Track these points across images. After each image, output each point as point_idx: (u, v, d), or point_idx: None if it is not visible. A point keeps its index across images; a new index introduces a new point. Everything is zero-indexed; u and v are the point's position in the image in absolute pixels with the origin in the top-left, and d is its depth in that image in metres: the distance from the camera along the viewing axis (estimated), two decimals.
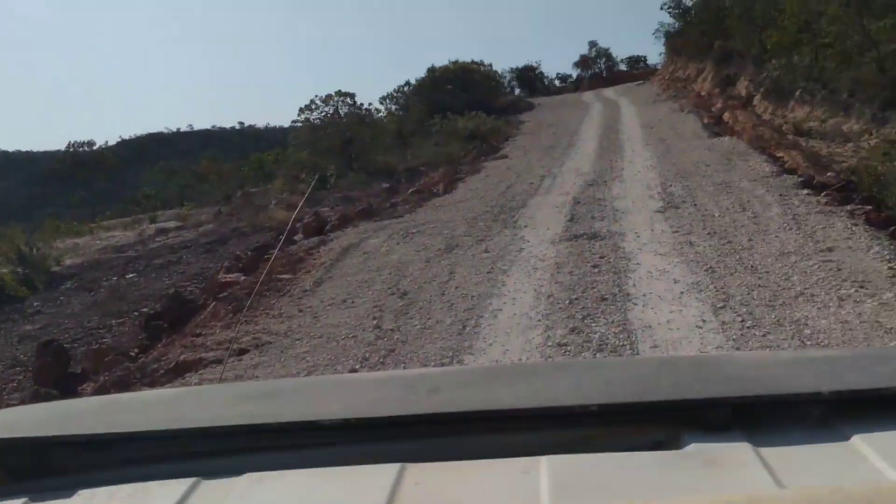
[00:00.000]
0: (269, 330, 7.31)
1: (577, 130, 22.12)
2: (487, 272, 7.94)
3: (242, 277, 10.02)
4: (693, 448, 0.89)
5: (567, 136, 21.24)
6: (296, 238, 12.86)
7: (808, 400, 0.97)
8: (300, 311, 7.74)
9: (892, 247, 7.53)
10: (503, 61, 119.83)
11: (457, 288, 7.59)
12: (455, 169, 18.01)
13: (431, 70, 32.40)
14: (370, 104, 23.40)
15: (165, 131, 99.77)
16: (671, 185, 11.71)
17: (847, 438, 0.89)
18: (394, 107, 33.11)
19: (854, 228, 8.22)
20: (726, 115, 22.84)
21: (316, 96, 22.03)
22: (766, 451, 0.86)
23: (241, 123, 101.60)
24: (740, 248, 7.81)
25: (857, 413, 0.95)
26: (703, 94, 29.16)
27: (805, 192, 10.51)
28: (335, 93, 21.97)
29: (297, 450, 0.99)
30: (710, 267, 7.30)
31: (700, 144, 16.28)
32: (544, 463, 0.86)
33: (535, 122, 27.04)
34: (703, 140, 17.12)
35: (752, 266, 7.20)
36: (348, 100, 22.22)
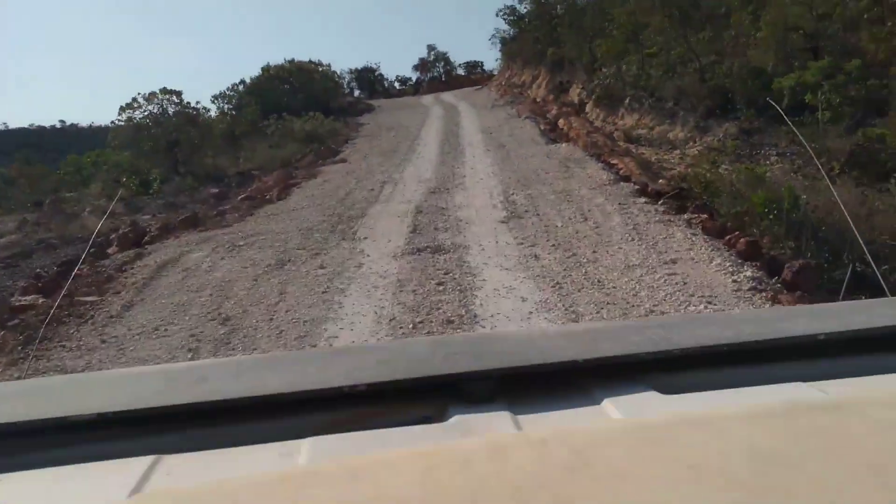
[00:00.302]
0: (63, 367, 6.17)
1: (417, 134, 21.68)
2: (322, 292, 7.17)
3: (41, 300, 8.62)
4: (455, 420, 0.92)
5: (408, 140, 20.75)
6: (109, 251, 11.48)
7: (566, 368, 1.01)
8: (103, 342, 6.62)
9: (731, 258, 7.50)
10: (342, 62, 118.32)
11: (287, 311, 6.77)
12: (290, 173, 17.00)
13: (266, 69, 30.92)
14: (198, 103, 21.72)
15: None
16: (514, 194, 11.42)
17: (599, 403, 0.94)
18: (226, 106, 31.37)
19: (694, 239, 8.18)
20: (561, 122, 23.26)
21: (139, 93, 20.20)
22: (523, 418, 0.91)
23: (62, 122, 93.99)
24: (585, 261, 7.52)
25: (610, 379, 1.01)
26: (538, 100, 29.70)
27: (642, 200, 10.51)
28: (160, 90, 20.22)
29: (44, 449, 0.94)
30: (557, 283, 6.93)
31: (538, 151, 16.25)
32: (306, 445, 0.87)
33: (375, 125, 26.40)
34: (541, 146, 17.14)
35: (598, 281, 6.90)
36: (174, 98, 20.52)
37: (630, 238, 8.29)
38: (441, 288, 6.95)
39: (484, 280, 7.13)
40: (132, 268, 9.33)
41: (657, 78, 21.30)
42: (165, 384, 1.08)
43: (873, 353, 1.09)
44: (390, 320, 6.32)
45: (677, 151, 19.05)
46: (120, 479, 0.81)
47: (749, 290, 6.42)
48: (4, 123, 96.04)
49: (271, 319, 6.59)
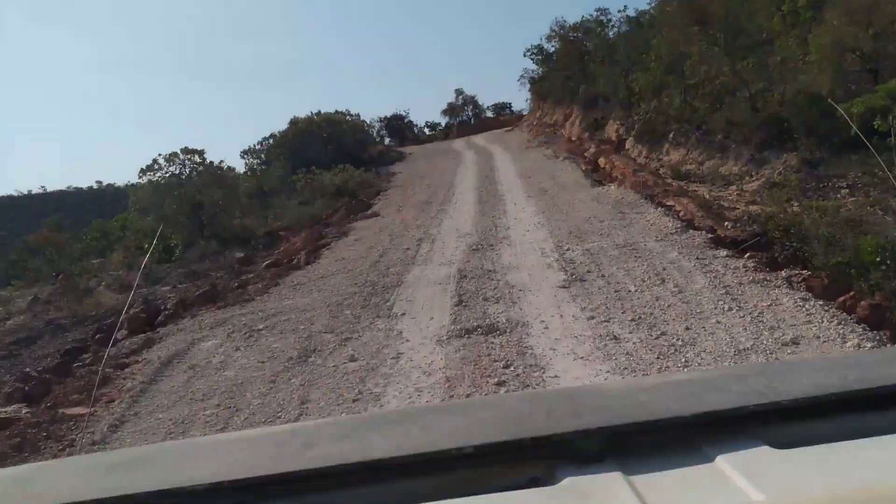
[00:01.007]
0: None
1: (452, 182, 20.30)
2: (353, 400, 5.63)
3: (25, 410, 7.22)
4: (568, 482, 0.89)
5: (442, 188, 19.36)
6: (119, 336, 10.14)
7: (672, 424, 0.97)
8: None
9: (861, 330, 5.85)
10: (371, 110, 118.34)
11: None
12: (320, 232, 15.65)
13: (294, 122, 29.96)
14: (221, 162, 20.61)
15: (15, 194, 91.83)
16: (569, 249, 9.86)
17: (711, 460, 0.90)
18: (255, 162, 30.43)
19: (806, 305, 6.51)
20: (602, 161, 21.72)
21: (160, 154, 19.14)
22: (637, 479, 0.86)
23: (98, 182, 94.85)
24: (680, 343, 5.90)
25: (719, 433, 0.96)
26: (573, 138, 28.24)
27: (723, 253, 8.88)
28: (181, 150, 19.15)
29: None
30: None
31: (586, 195, 14.72)
32: None
33: (407, 174, 25.13)
34: (587, 189, 15.61)
35: None
36: (196, 157, 19.42)
37: (726, 307, 6.65)
38: (503, 391, 5.38)
39: (556, 377, 5.53)
40: (136, 362, 7.91)
41: (704, 110, 19.70)
42: (276, 449, 1.07)
43: None
44: None
45: (734, 187, 17.37)
46: None
47: None
48: (43, 187, 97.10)
49: None
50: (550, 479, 0.91)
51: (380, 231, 14.57)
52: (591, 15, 33.75)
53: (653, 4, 27.44)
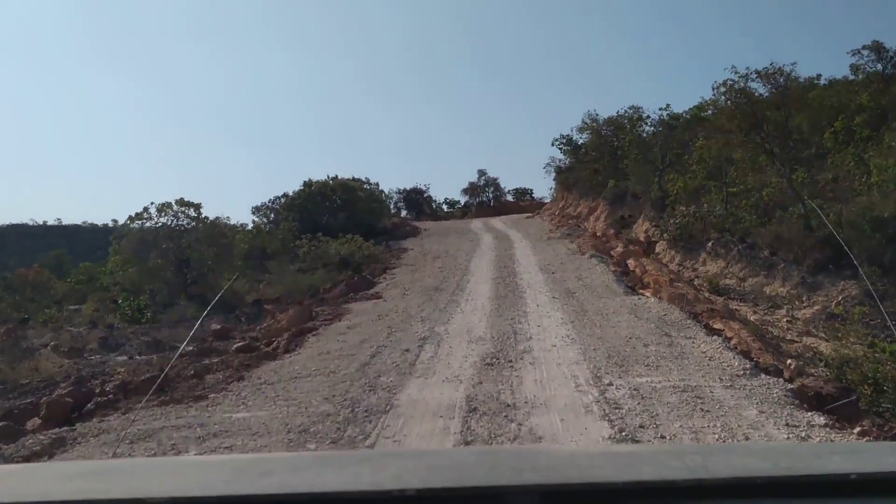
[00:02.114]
0: None
1: (466, 267, 18.12)
2: None
3: None
4: None
5: (456, 273, 17.18)
6: (29, 426, 7.84)
7: (604, 489, 1.02)
8: None
9: None
10: (391, 181, 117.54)
11: None
12: (310, 312, 13.39)
13: (308, 184, 28.09)
14: (218, 217, 18.57)
15: (30, 223, 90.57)
16: (611, 384, 7.52)
17: None
18: (264, 220, 28.47)
19: None
20: (632, 263, 19.53)
21: (151, 203, 17.12)
22: None
23: (114, 221, 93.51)
24: None
25: (649, 502, 1.01)
26: (598, 234, 26.14)
27: (820, 420, 6.54)
28: (175, 201, 17.13)
29: None
30: None
31: (619, 305, 12.46)
32: None
33: (419, 252, 23.02)
34: (621, 297, 13.36)
35: None
36: (192, 211, 17.39)
37: None
38: None
39: None
40: None
41: (749, 221, 17.58)
42: (234, 475, 1.13)
43: None
44: None
45: (782, 312, 15.07)
46: None
47: None
48: (58, 219, 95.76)
49: None
50: None
51: (378, 319, 12.31)
52: (625, 110, 32.24)
53: (699, 104, 25.76)
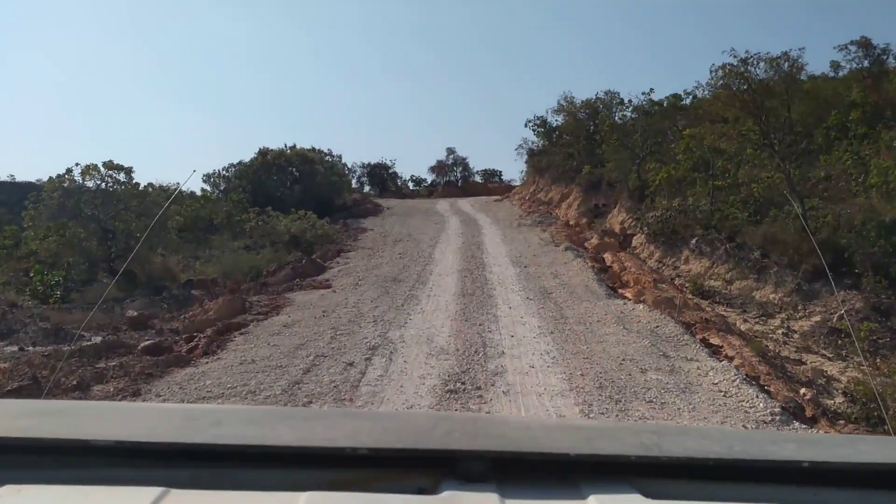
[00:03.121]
0: None
1: (431, 255, 16.22)
2: None
3: None
4: (447, 495, 0.91)
5: (418, 262, 15.28)
6: None
7: (557, 459, 1.01)
8: None
9: None
10: (355, 154, 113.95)
11: None
12: (243, 303, 11.36)
13: (263, 152, 25.76)
14: (151, 184, 16.32)
15: None
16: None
17: (584, 498, 0.93)
18: (214, 190, 26.15)
19: None
20: (609, 257, 17.86)
21: (77, 164, 14.83)
22: (511, 503, 0.89)
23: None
24: None
25: (600, 477, 0.99)
26: (571, 223, 24.44)
27: None
28: (103, 164, 14.87)
29: (64, 467, 0.97)
30: None
31: (604, 311, 10.70)
32: (304, 499, 0.87)
33: (379, 233, 21.01)
34: (603, 301, 11.60)
35: None
36: (121, 175, 15.14)
37: None
38: None
39: None
40: None
41: (741, 218, 15.92)
42: (184, 422, 1.10)
43: (856, 487, 1.07)
44: None
45: (776, 322, 13.47)
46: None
47: None
48: (11, 175, 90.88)
49: None
50: (434, 491, 0.93)
51: (323, 315, 10.38)
52: (604, 94, 30.49)
53: (675, 93, 24.12)
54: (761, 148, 15.84)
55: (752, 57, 14.29)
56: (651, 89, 28.61)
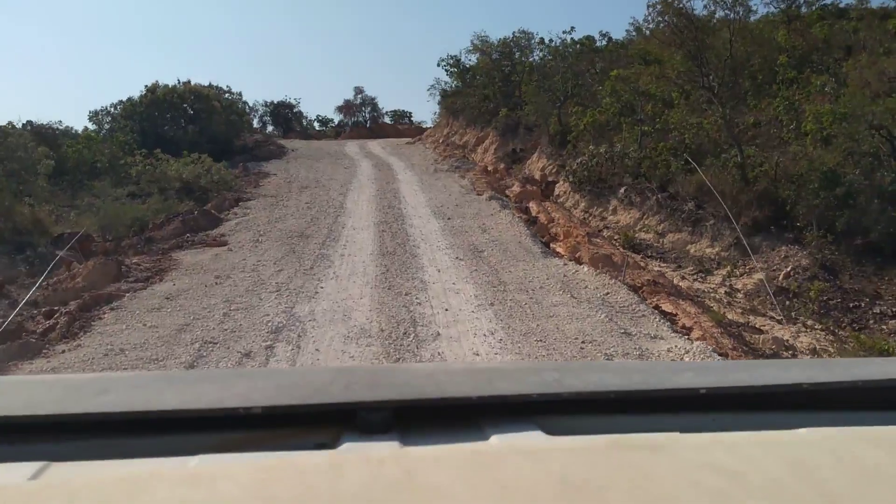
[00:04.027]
0: None
1: (342, 204, 14.42)
2: None
3: None
4: (346, 447, 0.89)
5: (328, 213, 13.46)
6: None
7: (458, 403, 0.99)
8: None
9: None
10: (256, 92, 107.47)
11: None
12: (119, 266, 9.35)
13: (152, 89, 22.87)
14: (58, 122, 13.72)
15: None
16: None
17: (487, 438, 0.93)
18: (98, 130, 23.14)
19: None
20: (534, 208, 16.55)
21: None
22: (412, 449, 0.87)
23: None
24: None
25: (501, 417, 0.98)
26: (489, 168, 22.99)
27: None
28: None
29: None
30: None
31: (544, 274, 9.33)
32: (195, 461, 0.83)
33: (284, 179, 18.91)
34: (541, 261, 10.24)
35: None
36: None
37: None
38: None
39: None
40: None
41: (675, 166, 14.82)
42: (65, 393, 1.05)
43: (752, 410, 1.08)
44: None
45: (717, 280, 12.55)
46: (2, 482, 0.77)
47: None
48: None
49: None
50: (333, 446, 0.90)
51: (216, 283, 8.56)
52: (520, 33, 28.87)
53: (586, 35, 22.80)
54: (698, 91, 14.69)
55: None
56: (572, 27, 27.06)
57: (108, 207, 13.69)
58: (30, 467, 0.79)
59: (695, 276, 12.72)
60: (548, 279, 8.99)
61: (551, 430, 0.95)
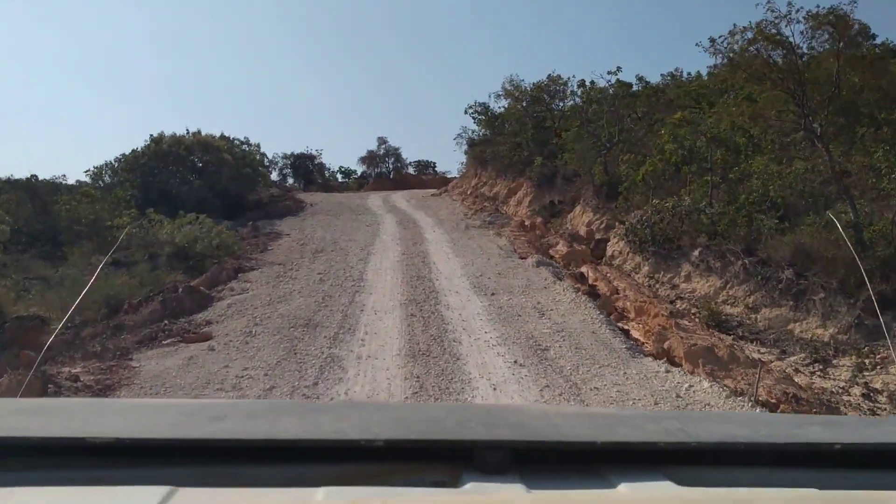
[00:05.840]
0: None
1: (362, 276, 11.63)
2: None
3: None
4: (470, 487, 0.85)
5: (345, 290, 10.65)
6: None
7: (580, 448, 0.95)
8: None
9: None
10: (276, 144, 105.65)
11: None
12: (46, 384, 6.56)
13: (157, 139, 20.51)
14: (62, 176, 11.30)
15: None
16: None
17: (614, 486, 0.87)
18: (98, 185, 20.77)
19: None
20: (590, 274, 13.69)
21: None
22: (538, 494, 0.83)
23: None
24: None
25: (626, 464, 0.93)
26: (526, 223, 20.21)
27: None
28: None
29: (62, 468, 0.88)
30: None
31: (645, 391, 6.42)
32: (321, 494, 0.80)
33: (297, 240, 16.23)
34: (632, 364, 7.32)
35: None
36: None
37: None
38: None
39: None
40: None
41: (767, 225, 11.88)
42: (183, 418, 1.01)
43: (885, 468, 1.00)
44: None
45: (843, 374, 9.50)
46: None
47: None
48: None
49: None
50: (454, 484, 0.86)
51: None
52: (556, 76, 26.37)
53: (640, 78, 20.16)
54: (793, 134, 11.87)
55: (792, 12, 10.23)
56: (618, 67, 24.46)
57: (75, 282, 11.05)
58: (157, 492, 0.76)
59: (811, 368, 9.72)
60: (653, 399, 6.08)
61: (679, 481, 0.88)
